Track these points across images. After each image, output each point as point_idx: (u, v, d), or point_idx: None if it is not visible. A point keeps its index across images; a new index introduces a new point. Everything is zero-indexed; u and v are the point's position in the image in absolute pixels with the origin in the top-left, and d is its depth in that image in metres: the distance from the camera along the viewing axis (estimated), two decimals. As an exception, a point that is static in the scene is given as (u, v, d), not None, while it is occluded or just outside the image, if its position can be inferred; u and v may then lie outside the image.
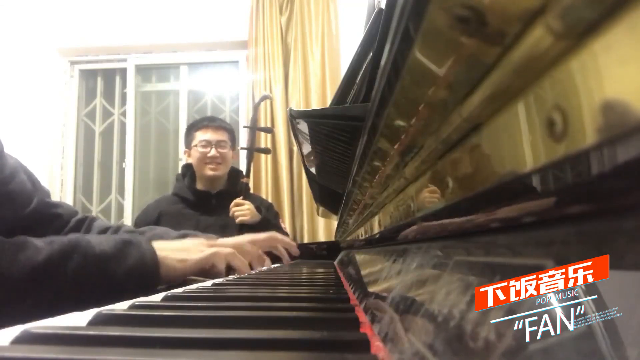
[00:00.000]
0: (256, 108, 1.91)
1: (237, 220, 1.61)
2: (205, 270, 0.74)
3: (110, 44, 2.77)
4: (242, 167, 2.38)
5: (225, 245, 0.80)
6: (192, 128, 1.76)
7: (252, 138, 1.86)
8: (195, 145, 1.69)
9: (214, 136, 1.69)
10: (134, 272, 0.64)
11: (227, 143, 1.72)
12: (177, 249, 0.72)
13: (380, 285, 0.36)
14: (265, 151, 2.07)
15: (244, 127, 2.17)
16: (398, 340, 0.22)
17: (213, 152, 1.66)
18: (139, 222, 1.69)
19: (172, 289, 0.53)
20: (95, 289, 0.60)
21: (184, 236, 0.90)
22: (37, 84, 2.69)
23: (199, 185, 1.72)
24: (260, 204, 1.72)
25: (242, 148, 1.95)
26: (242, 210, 1.62)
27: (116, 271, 0.63)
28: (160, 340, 0.23)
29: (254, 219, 1.63)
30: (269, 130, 2.29)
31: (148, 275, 0.66)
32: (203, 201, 1.68)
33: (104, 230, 0.90)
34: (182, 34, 2.71)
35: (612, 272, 0.10)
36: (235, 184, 1.77)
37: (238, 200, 1.65)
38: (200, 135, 1.70)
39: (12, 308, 0.55)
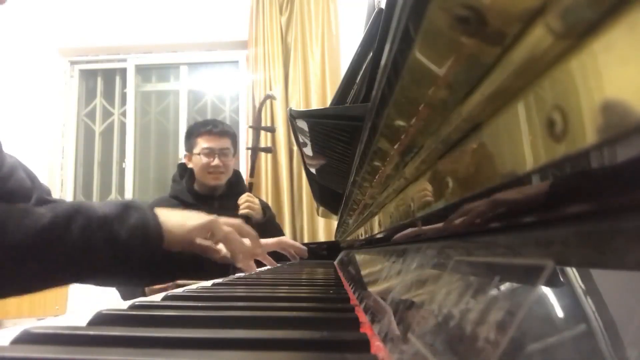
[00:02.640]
0: (260, 108, 1.91)
1: (243, 211, 1.59)
2: (200, 246, 0.73)
3: (110, 44, 2.77)
4: (242, 166, 2.39)
5: (226, 224, 0.78)
6: (194, 133, 1.69)
7: (257, 138, 1.85)
8: (198, 153, 1.63)
9: (218, 144, 1.64)
10: (137, 232, 0.64)
11: (230, 150, 1.66)
12: (177, 215, 0.73)
13: (380, 285, 0.36)
14: (268, 150, 2.07)
15: (249, 127, 2.17)
16: (398, 340, 0.22)
17: (216, 161, 1.61)
18: None
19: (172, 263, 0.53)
20: (100, 251, 0.61)
21: None
22: (37, 84, 2.70)
23: (199, 189, 1.68)
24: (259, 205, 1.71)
25: (247, 148, 1.95)
26: (253, 202, 1.61)
27: (119, 231, 0.63)
28: (160, 340, 0.23)
29: (258, 217, 1.63)
30: (272, 130, 2.29)
31: (151, 235, 0.66)
32: (204, 204, 1.64)
33: None
34: (182, 34, 2.71)
35: (612, 272, 0.10)
36: (235, 186, 1.75)
37: (250, 194, 1.64)
38: (203, 143, 1.64)
39: (21, 273, 0.56)
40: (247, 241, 0.81)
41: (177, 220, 0.71)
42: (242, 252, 0.79)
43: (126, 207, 0.67)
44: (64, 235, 0.59)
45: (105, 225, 0.63)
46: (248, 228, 0.84)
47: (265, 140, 2.39)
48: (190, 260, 0.75)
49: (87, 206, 0.63)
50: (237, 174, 1.82)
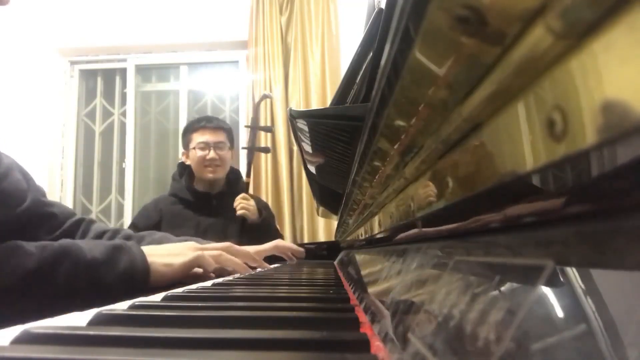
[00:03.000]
0: (257, 107, 1.91)
1: (239, 212, 1.60)
2: (193, 274, 0.75)
3: (110, 44, 2.77)
4: (242, 166, 2.38)
5: (214, 248, 0.81)
6: (189, 129, 1.73)
7: (253, 137, 1.85)
8: (194, 148, 1.67)
9: (212, 137, 1.67)
10: (124, 277, 0.65)
11: (226, 144, 1.69)
12: (164, 254, 0.73)
13: (380, 285, 0.36)
14: (265, 150, 2.07)
15: (246, 126, 2.17)
16: (398, 340, 0.22)
17: (212, 154, 1.64)
18: (139, 223, 1.66)
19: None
20: (85, 294, 0.61)
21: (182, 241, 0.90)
22: (37, 84, 2.69)
23: (198, 187, 1.70)
24: (258, 205, 1.71)
25: (243, 148, 1.95)
26: (248, 204, 1.62)
27: (106, 277, 0.64)
28: (160, 340, 0.23)
29: (254, 218, 1.63)
30: (269, 130, 2.29)
31: (138, 280, 0.67)
32: (203, 202, 1.66)
33: (100, 234, 0.90)
34: (182, 34, 2.71)
35: (612, 272, 0.10)
36: (234, 184, 1.76)
37: (245, 194, 1.65)
38: (198, 137, 1.67)
39: (3, 313, 0.55)
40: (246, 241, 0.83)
41: (164, 260, 0.71)
42: (238, 269, 0.81)
43: (116, 250, 0.67)
44: (50, 279, 0.59)
45: (92, 270, 0.63)
46: (235, 247, 0.86)
47: (265, 140, 2.39)
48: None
49: (76, 248, 0.63)
50: (236, 172, 1.83)
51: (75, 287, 0.61)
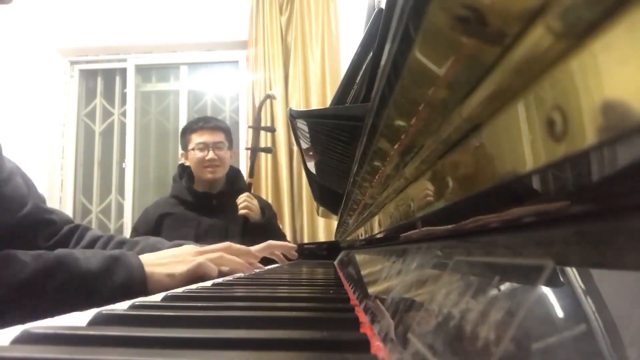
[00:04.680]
0: (260, 107, 1.91)
1: (241, 210, 1.60)
2: (195, 280, 0.74)
3: (110, 44, 2.77)
4: (243, 166, 2.38)
5: (213, 251, 0.79)
6: (187, 130, 1.73)
7: (256, 138, 1.85)
8: (192, 149, 1.67)
9: (211, 138, 1.67)
10: (121, 290, 0.63)
11: (224, 144, 1.69)
12: (165, 263, 0.71)
13: (381, 285, 0.36)
14: (268, 150, 2.07)
15: (249, 127, 2.17)
16: (398, 340, 0.22)
17: (211, 154, 1.64)
18: (139, 226, 1.66)
19: None
20: (78, 305, 0.60)
21: (177, 246, 0.89)
22: (37, 84, 2.69)
23: (198, 187, 1.70)
24: (259, 204, 1.72)
25: (246, 148, 1.95)
26: (251, 202, 1.62)
27: (101, 289, 0.62)
28: (160, 340, 0.23)
29: (257, 217, 1.63)
30: (272, 130, 2.29)
31: (134, 291, 0.64)
32: (204, 203, 1.66)
33: (95, 240, 0.90)
34: (182, 34, 2.71)
35: (612, 272, 0.10)
36: (234, 184, 1.76)
37: (249, 193, 1.65)
38: (197, 138, 1.67)
39: None
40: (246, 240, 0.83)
41: (165, 270, 0.70)
42: (240, 269, 0.81)
43: (113, 261, 0.65)
44: (42, 289, 0.58)
45: (87, 282, 0.61)
46: (234, 247, 0.85)
47: (265, 140, 2.39)
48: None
49: (72, 259, 0.62)
50: (236, 171, 1.83)
51: (69, 298, 0.59)
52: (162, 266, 0.70)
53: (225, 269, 0.79)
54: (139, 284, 0.65)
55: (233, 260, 0.80)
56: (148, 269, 0.67)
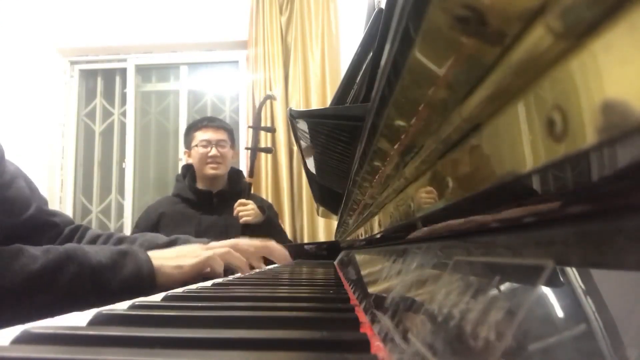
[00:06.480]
0: (260, 108, 1.91)
1: (242, 220, 1.61)
2: (202, 274, 0.74)
3: (110, 44, 2.77)
4: (243, 166, 2.38)
5: (221, 246, 0.80)
6: (191, 128, 1.77)
7: (256, 138, 1.86)
8: (196, 146, 1.70)
9: (214, 136, 1.70)
10: (130, 283, 0.64)
11: (227, 142, 1.73)
12: (173, 257, 0.72)
13: (380, 285, 0.36)
14: (268, 150, 2.08)
15: (249, 127, 2.18)
16: (398, 340, 0.22)
17: (214, 151, 1.68)
18: (140, 224, 1.69)
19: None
20: (89, 299, 0.60)
21: (174, 241, 0.90)
22: (37, 84, 2.69)
23: (200, 185, 1.73)
24: (260, 204, 1.72)
25: (246, 148, 1.95)
26: (246, 210, 1.62)
27: (111, 282, 0.63)
28: (160, 340, 0.23)
29: (257, 219, 1.63)
30: (272, 130, 2.29)
31: (144, 285, 0.66)
32: (204, 201, 1.69)
33: (95, 239, 0.90)
34: (182, 34, 2.71)
35: (612, 272, 0.10)
36: (235, 184, 1.77)
37: (242, 200, 1.65)
38: (200, 135, 1.71)
39: (5, 314, 0.55)
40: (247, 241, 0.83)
41: (174, 263, 0.70)
42: (242, 267, 0.81)
43: (122, 255, 0.66)
44: (52, 282, 0.58)
45: (96, 275, 0.62)
46: (241, 245, 0.86)
47: (265, 140, 2.39)
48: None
49: (81, 253, 0.62)
50: (237, 172, 1.84)
51: (79, 291, 0.60)
52: (170, 259, 0.71)
53: (231, 264, 0.79)
54: (148, 276, 0.66)
55: (239, 257, 0.80)
56: (156, 262, 0.68)
